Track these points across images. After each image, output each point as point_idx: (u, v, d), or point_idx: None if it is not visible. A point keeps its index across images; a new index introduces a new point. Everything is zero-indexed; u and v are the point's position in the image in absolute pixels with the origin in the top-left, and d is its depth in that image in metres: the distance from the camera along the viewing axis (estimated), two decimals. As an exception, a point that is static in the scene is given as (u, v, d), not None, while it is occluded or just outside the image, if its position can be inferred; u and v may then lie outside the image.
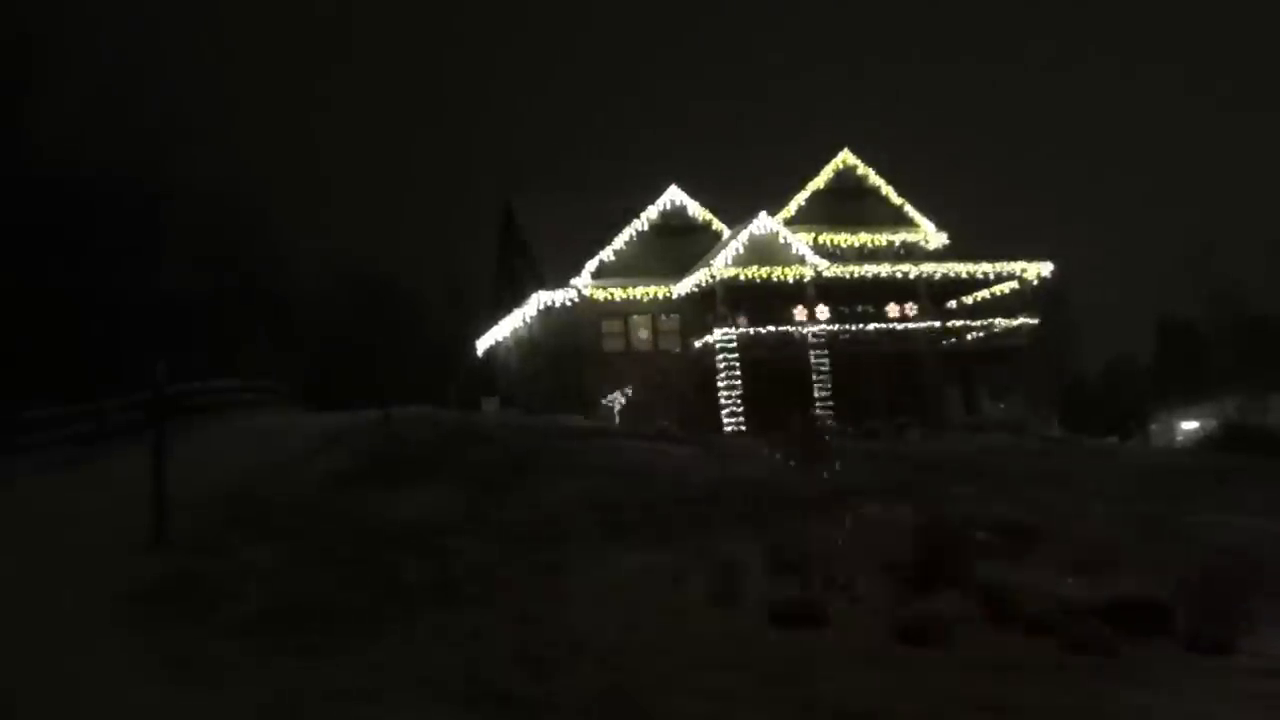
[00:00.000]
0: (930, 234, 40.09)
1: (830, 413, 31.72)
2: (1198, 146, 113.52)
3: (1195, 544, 14.27)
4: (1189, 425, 49.89)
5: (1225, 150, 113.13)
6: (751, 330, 32.93)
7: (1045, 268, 35.53)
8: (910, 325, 34.43)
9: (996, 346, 35.16)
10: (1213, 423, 46.83)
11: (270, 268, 52.59)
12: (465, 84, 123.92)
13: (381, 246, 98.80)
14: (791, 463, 11.60)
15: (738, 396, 31.63)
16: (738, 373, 31.91)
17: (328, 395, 35.26)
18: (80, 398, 25.91)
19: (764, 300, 33.64)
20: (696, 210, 36.90)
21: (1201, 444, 43.40)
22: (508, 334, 40.52)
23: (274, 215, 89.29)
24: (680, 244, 35.83)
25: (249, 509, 15.39)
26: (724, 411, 31.58)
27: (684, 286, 34.04)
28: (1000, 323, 35.52)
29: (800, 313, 33.48)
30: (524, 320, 37.56)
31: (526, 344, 39.02)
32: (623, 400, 31.79)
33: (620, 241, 35.40)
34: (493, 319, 42.66)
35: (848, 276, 33.74)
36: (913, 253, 38.95)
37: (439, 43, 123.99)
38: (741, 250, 34.07)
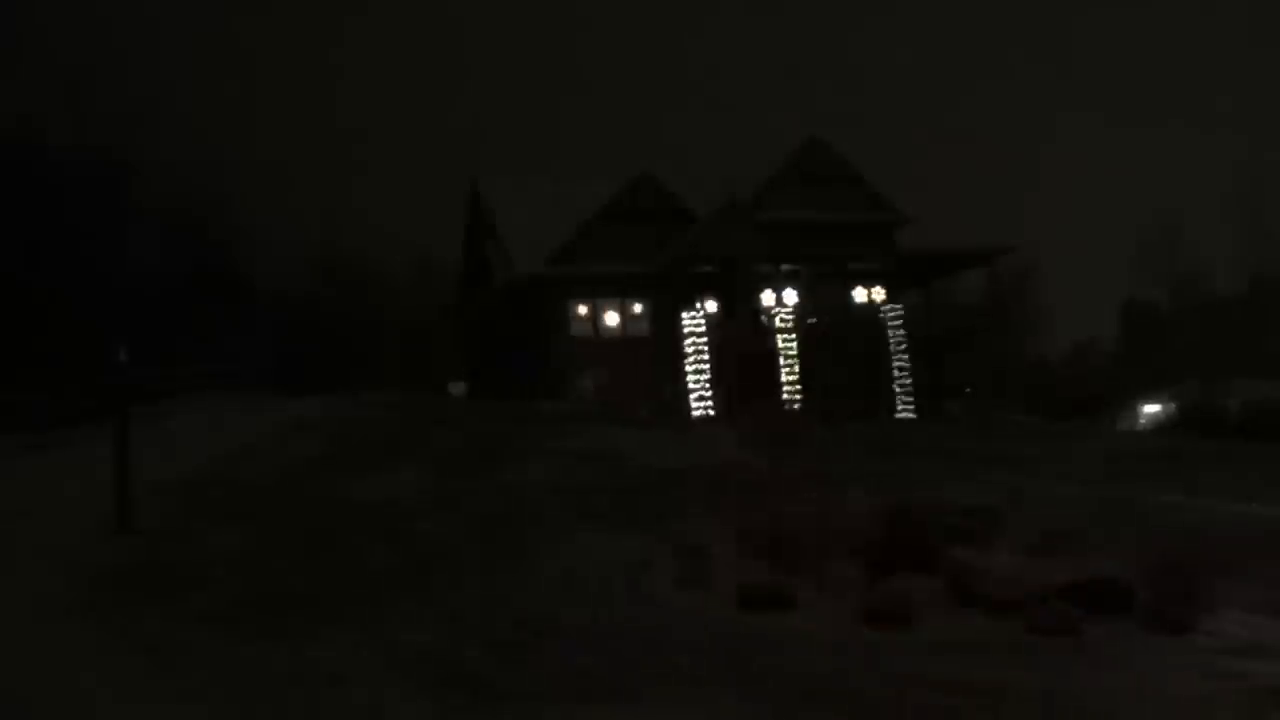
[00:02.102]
0: (899, 216, 40.14)
1: (798, 396, 31.86)
2: (1164, 130, 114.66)
3: (1156, 526, 14.47)
4: (1151, 409, 50.47)
5: (1192, 136, 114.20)
6: (720, 314, 32.96)
7: (1013, 251, 35.79)
8: (878, 308, 34.58)
9: (964, 329, 35.39)
10: (1174, 406, 47.47)
11: (237, 249, 52.14)
12: (433, 64, 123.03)
13: (349, 228, 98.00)
14: (760, 447, 11.66)
15: (706, 380, 31.68)
16: (706, 356, 31.95)
17: (296, 379, 35.02)
18: (42, 382, 25.61)
19: (732, 283, 33.67)
20: (666, 194, 36.77)
21: (1163, 427, 44.01)
22: (476, 317, 40.36)
23: (241, 196, 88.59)
24: (649, 227, 35.65)
25: (216, 494, 15.32)
26: (692, 395, 31.63)
27: (653, 269, 34.00)
28: (967, 306, 35.78)
29: (769, 296, 33.55)
30: (492, 304, 37.43)
31: (495, 328, 38.88)
32: (592, 384, 31.75)
33: (589, 225, 35.24)
34: (461, 302, 42.46)
35: (815, 260, 33.83)
36: (882, 235, 38.96)
37: (410, 23, 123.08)
38: (710, 232, 34.03)
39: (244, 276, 50.95)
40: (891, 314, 34.42)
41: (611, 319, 35.50)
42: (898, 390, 33.85)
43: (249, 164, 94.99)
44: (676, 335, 33.01)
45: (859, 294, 35.42)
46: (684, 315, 32.54)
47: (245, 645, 8.82)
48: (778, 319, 33.12)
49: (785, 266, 33.56)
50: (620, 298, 35.39)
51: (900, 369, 34.02)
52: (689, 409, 31.21)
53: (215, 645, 8.82)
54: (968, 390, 36.97)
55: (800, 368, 32.62)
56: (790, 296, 33.49)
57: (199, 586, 10.76)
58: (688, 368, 32.00)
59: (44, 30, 72.04)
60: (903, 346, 34.17)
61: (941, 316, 35.29)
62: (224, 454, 18.26)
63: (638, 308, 35.56)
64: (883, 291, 35.04)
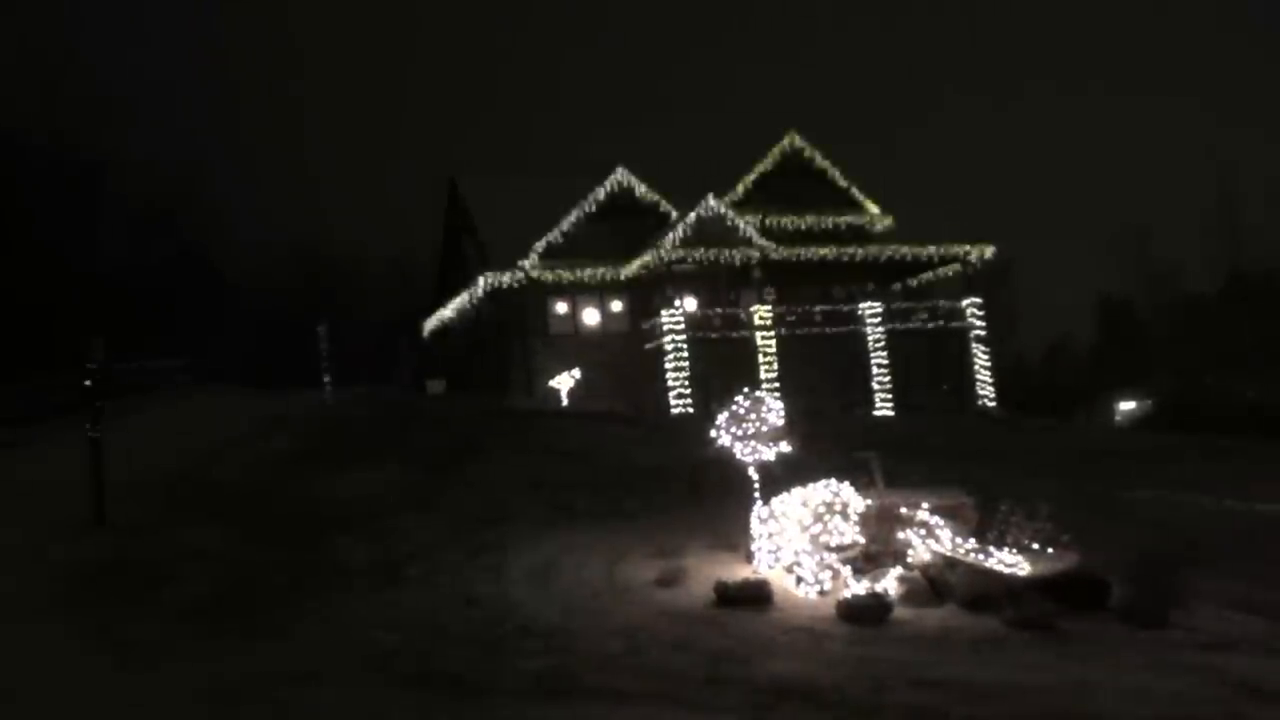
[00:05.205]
0: (876, 216, 40.30)
1: (777, 393, 31.85)
2: (1140, 127, 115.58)
3: (1133, 520, 14.57)
4: (1127, 405, 50.82)
5: (1169, 132, 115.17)
6: (698, 312, 32.98)
7: (988, 250, 35.91)
8: (856, 307, 34.67)
9: (941, 327, 35.52)
10: (1149, 403, 47.81)
11: (212, 245, 51.90)
12: (411, 59, 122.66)
13: (325, 224, 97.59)
14: (737, 444, 11.66)
15: (685, 378, 31.69)
16: (685, 354, 31.97)
17: (270, 375, 34.83)
18: (16, 377, 25.37)
19: (711, 282, 33.69)
20: (644, 192, 36.75)
21: (1139, 423, 44.34)
22: (454, 314, 40.23)
23: (216, 191, 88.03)
24: (628, 226, 35.68)
25: (191, 491, 15.23)
26: (671, 393, 31.62)
27: (631, 268, 33.98)
28: (944, 304, 35.91)
29: (747, 295, 33.56)
30: (471, 301, 37.30)
31: (473, 325, 38.77)
32: (570, 382, 31.72)
33: (567, 223, 35.22)
34: (439, 299, 42.31)
35: (794, 258, 33.85)
36: (859, 235, 39.10)
37: (387, 18, 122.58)
38: (689, 232, 34.03)
39: (221, 273, 50.76)
40: (870, 312, 34.53)
41: (590, 317, 35.50)
42: (875, 388, 33.97)
43: (227, 161, 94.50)
44: (655, 333, 33.01)
45: (837, 292, 35.46)
46: (663, 313, 32.54)
47: (217, 641, 8.75)
48: (756, 317, 33.16)
49: (764, 263, 33.55)
50: (599, 296, 35.39)
51: (878, 366, 34.14)
52: (668, 406, 31.20)
53: (186, 641, 8.76)
54: (945, 387, 37.10)
55: (780, 365, 32.67)
56: (769, 294, 33.51)
57: (172, 582, 10.69)
58: (666, 365, 32.00)
59: (19, 21, 71.36)
60: (880, 344, 34.29)
61: (919, 314, 35.39)
62: (200, 450, 18.17)
63: (617, 305, 35.57)
64: (861, 289, 35.13)
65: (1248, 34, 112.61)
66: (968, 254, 35.85)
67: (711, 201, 35.18)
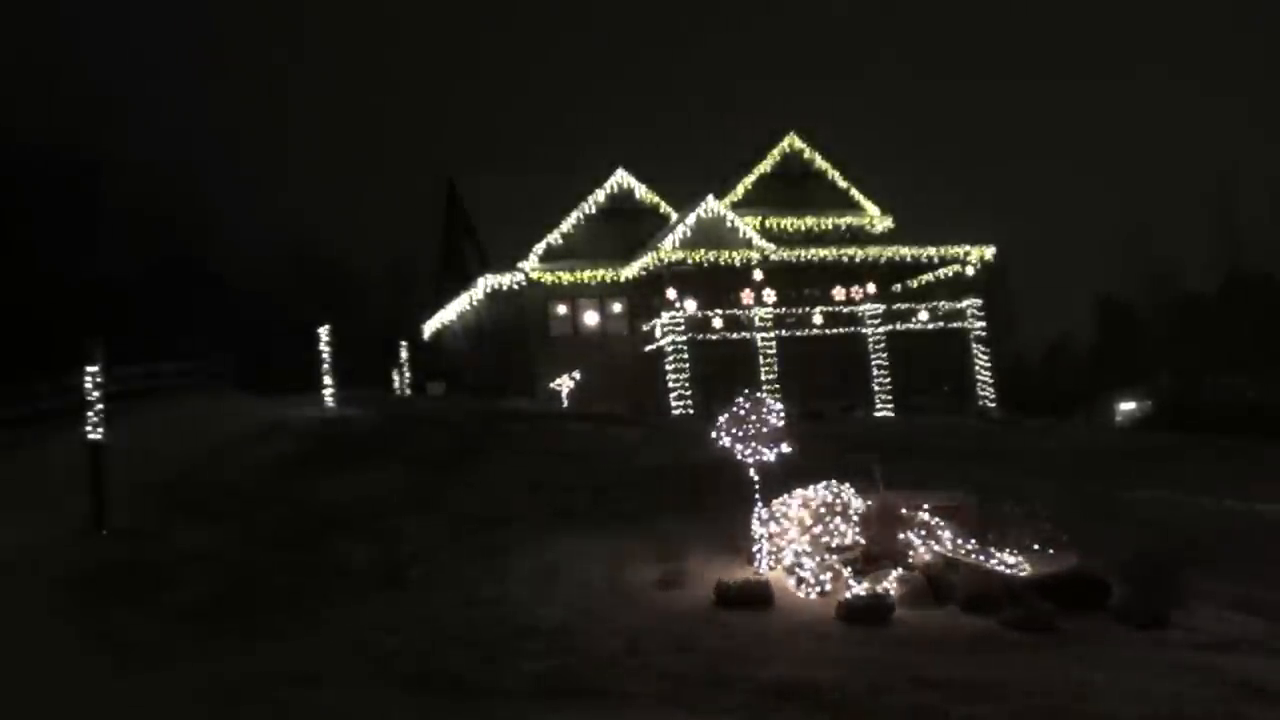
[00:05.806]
0: (876, 217, 40.33)
1: (777, 395, 31.86)
2: (1132, 126, 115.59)
3: (1132, 521, 14.56)
4: (1127, 405, 50.78)
5: (1160, 130, 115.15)
6: (699, 314, 32.98)
7: (988, 251, 35.89)
8: (856, 308, 34.68)
9: (941, 328, 35.52)
10: (1149, 403, 47.78)
11: (211, 247, 51.87)
12: (409, 60, 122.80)
13: (324, 225, 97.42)
14: (738, 445, 11.67)
15: (685, 380, 31.69)
16: (685, 356, 31.97)
17: (270, 377, 34.77)
18: (12, 379, 25.30)
19: (711, 284, 33.66)
20: (643, 193, 36.78)
21: (1139, 423, 44.33)
22: (454, 316, 40.21)
23: (213, 192, 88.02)
24: (627, 227, 35.73)
25: (191, 494, 15.21)
26: (671, 394, 31.63)
27: (631, 270, 33.98)
28: (944, 305, 35.89)
29: (747, 296, 33.55)
30: (470, 303, 37.29)
31: (473, 327, 38.76)
32: (570, 384, 31.72)
33: (567, 224, 35.26)
34: (439, 300, 42.29)
35: (794, 260, 33.86)
36: (858, 236, 39.13)
37: (383, 18, 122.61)
38: (688, 234, 34.04)
39: (220, 275, 50.71)
40: (869, 313, 34.53)
41: (590, 318, 35.50)
42: (875, 389, 33.97)
43: (226, 162, 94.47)
44: (655, 335, 33.01)
45: (838, 292, 35.49)
46: (663, 315, 32.54)
47: (217, 644, 8.76)
48: (756, 318, 33.16)
49: (764, 265, 33.55)
50: (599, 297, 35.39)
51: (878, 367, 34.13)
52: (668, 407, 31.20)
53: (187, 644, 8.76)
54: (945, 388, 37.13)
55: (780, 366, 32.66)
56: (769, 295, 33.51)
57: (173, 585, 10.69)
58: (667, 366, 32.00)
59: (18, 22, 71.37)
60: (881, 345, 34.29)
61: (919, 315, 35.38)
62: (200, 453, 18.14)
63: (617, 307, 35.57)
64: (861, 290, 35.12)
65: (1249, 35, 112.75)
66: (967, 255, 35.84)
67: (711, 203, 35.19)
